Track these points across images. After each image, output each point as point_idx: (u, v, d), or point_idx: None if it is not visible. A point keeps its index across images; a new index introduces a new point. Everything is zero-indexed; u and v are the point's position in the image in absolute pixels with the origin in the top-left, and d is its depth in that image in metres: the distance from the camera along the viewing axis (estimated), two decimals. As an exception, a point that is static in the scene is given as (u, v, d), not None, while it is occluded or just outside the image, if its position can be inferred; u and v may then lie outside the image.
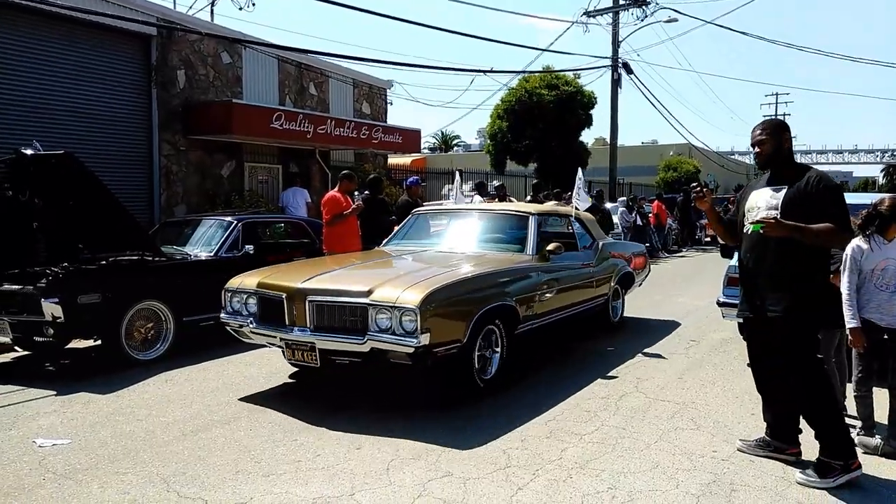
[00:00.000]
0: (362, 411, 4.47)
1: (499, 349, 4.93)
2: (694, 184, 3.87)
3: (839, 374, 4.29)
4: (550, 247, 5.59)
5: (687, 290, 10.61)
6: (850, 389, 4.07)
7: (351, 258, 5.83)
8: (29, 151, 5.77)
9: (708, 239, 20.50)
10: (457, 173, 11.35)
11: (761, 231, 3.30)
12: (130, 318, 5.75)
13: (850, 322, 3.72)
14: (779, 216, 3.31)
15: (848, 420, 4.09)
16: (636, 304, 8.44)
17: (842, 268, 3.83)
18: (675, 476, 3.45)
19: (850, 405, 4.10)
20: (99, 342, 5.89)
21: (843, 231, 3.36)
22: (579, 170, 7.89)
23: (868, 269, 3.77)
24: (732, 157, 55.94)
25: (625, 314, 7.66)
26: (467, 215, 6.61)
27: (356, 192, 8.09)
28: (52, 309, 5.26)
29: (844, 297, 3.76)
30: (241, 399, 4.81)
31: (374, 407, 4.57)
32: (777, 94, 52.61)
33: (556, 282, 5.74)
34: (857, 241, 3.80)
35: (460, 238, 6.12)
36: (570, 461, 3.63)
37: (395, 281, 4.47)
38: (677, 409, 4.54)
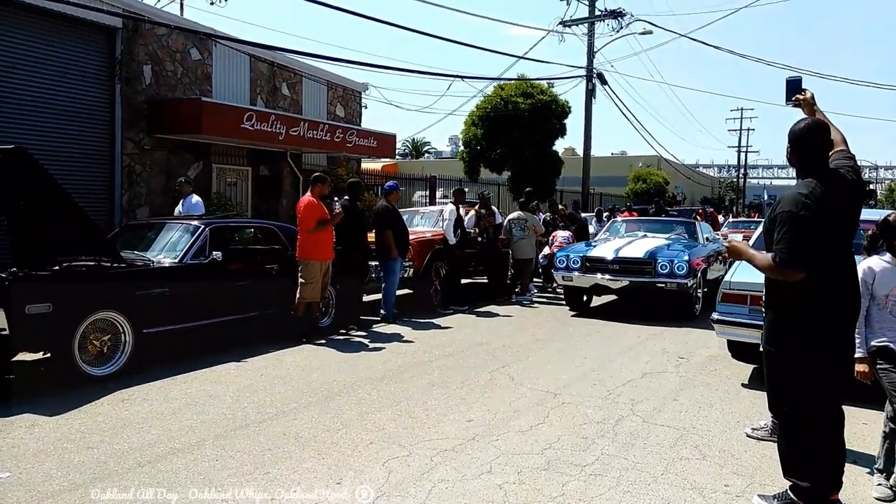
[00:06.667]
0: (344, 438, 4.10)
1: None
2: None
3: None
4: None
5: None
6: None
7: None
8: (-25, 146, 5.25)
9: None
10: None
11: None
12: (84, 329, 5.27)
13: (857, 352, 3.43)
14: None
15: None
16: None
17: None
18: (688, 515, 3.16)
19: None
20: (49, 355, 5.38)
21: (780, 264, 2.89)
22: None
23: (882, 295, 3.51)
24: (697, 169, 56.78)
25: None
26: None
27: (335, 199, 7.68)
28: (-6, 319, 4.68)
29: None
30: (205, 422, 4.38)
31: (354, 435, 4.20)
32: (742, 109, 53.36)
33: None
34: (869, 263, 3.58)
35: None
36: (573, 497, 3.31)
37: None
38: (678, 435, 4.27)
